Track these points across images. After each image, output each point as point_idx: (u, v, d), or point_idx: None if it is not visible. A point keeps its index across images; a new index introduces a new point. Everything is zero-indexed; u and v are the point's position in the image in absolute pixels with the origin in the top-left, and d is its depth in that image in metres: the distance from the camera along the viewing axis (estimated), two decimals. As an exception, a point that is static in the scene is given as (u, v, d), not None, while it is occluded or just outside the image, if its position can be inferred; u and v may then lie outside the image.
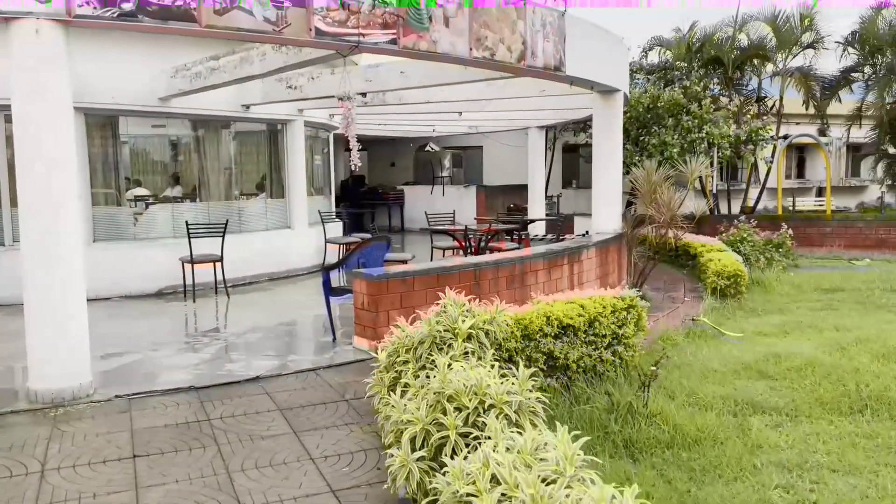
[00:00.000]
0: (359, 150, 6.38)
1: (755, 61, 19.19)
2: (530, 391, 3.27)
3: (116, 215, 9.80)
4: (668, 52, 19.82)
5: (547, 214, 17.43)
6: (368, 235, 13.07)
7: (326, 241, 12.18)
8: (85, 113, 9.24)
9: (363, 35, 5.82)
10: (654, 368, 4.98)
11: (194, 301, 9.15)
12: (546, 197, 18.07)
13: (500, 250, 10.32)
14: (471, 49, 6.73)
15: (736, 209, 20.33)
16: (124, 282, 9.41)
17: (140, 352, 6.49)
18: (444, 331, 4.15)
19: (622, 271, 10.37)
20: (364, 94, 9.11)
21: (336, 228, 12.90)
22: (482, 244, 9.84)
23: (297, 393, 5.23)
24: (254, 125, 11.43)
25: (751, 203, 20.51)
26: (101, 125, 9.65)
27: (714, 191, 17.76)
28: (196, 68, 8.60)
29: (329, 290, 6.87)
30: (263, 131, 11.67)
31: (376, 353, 6.33)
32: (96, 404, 4.98)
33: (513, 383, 3.33)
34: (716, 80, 18.65)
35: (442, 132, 18.04)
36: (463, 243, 10.79)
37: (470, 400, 3.10)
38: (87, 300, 9.30)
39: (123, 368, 5.96)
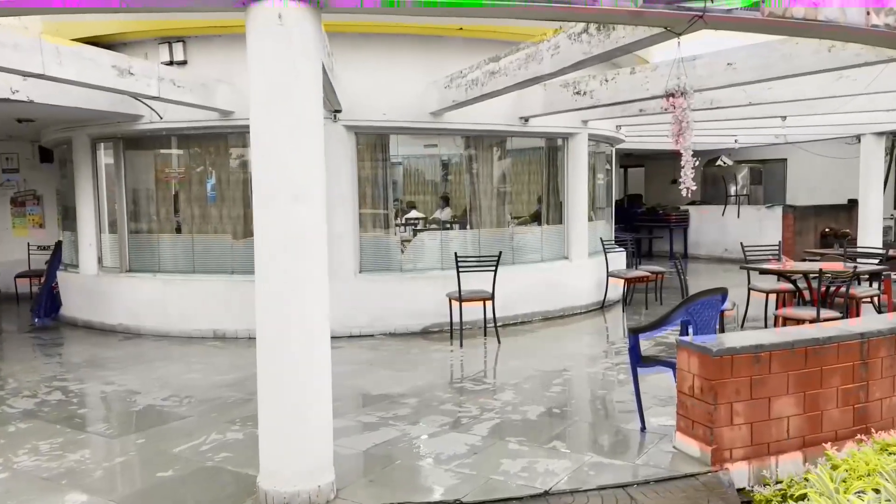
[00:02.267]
0: (693, 167, 4.47)
1: None
2: None
3: (384, 243, 8.93)
4: None
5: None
6: (658, 269, 10.96)
7: (608, 275, 10.34)
8: (356, 132, 8.48)
9: (712, -1, 3.93)
10: None
11: (461, 345, 7.86)
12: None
13: (855, 300, 7.65)
14: (868, 14, 4.48)
15: None
16: (389, 317, 8.47)
17: (398, 423, 5.20)
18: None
19: None
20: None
21: (618, 259, 10.99)
22: (830, 290, 7.27)
23: (608, 537, 3.46)
24: (531, 140, 10.01)
25: None
26: (372, 144, 8.85)
27: None
28: (472, 74, 7.33)
29: (637, 359, 5.03)
30: (541, 147, 10.20)
31: (715, 468, 4.39)
32: (336, 519, 3.69)
33: None
34: None
35: (741, 143, 15.24)
36: (790, 284, 8.23)
37: None
38: (350, 336, 8.62)
39: (375, 453, 4.68)
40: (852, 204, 16.88)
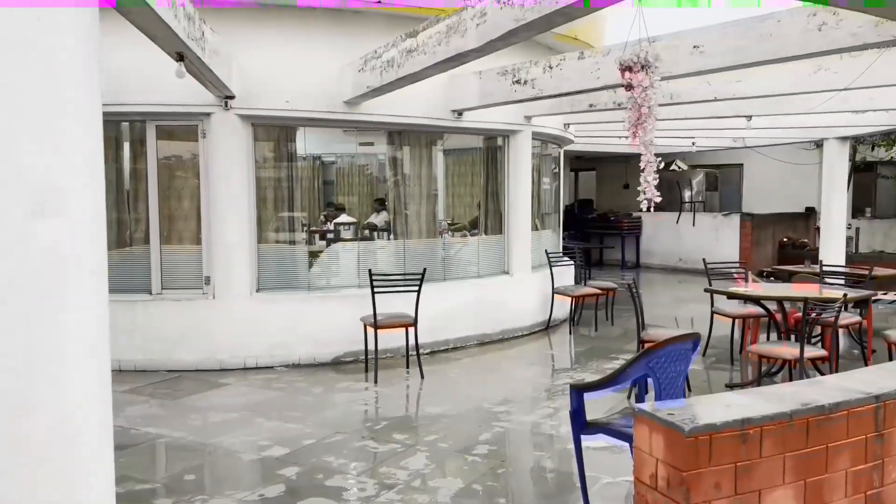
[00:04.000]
0: (657, 170, 3.24)
1: None
2: None
3: (288, 256, 7.53)
4: None
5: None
6: (609, 284, 9.81)
7: (554, 292, 9.13)
8: (253, 123, 7.08)
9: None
10: None
11: (376, 381, 6.53)
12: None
13: (833, 328, 6.55)
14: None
15: None
16: (293, 345, 7.08)
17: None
18: None
19: None
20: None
21: (566, 273, 9.81)
22: (808, 318, 6.14)
23: None
24: (467, 139, 8.75)
25: None
26: (275, 138, 7.47)
27: None
28: (388, 54, 6.01)
29: (581, 425, 3.78)
30: (479, 147, 8.95)
31: None
32: None
33: None
34: None
35: (698, 146, 14.26)
36: (758, 307, 7.11)
37: None
38: (244, 368, 7.19)
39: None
40: (809, 212, 16.15)
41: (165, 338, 6.84)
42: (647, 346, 6.18)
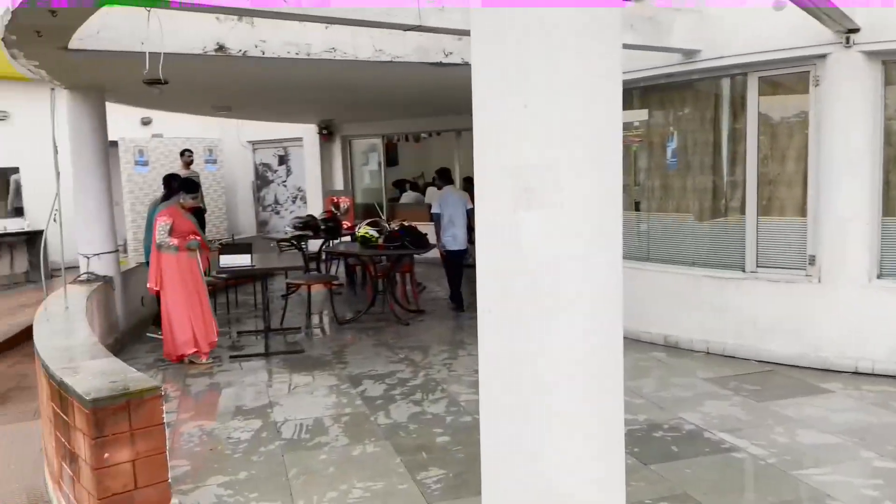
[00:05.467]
0: None
1: None
2: None
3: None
4: None
5: None
6: None
7: None
8: (883, 60, 5.46)
9: None
10: None
11: None
12: None
13: None
14: None
15: None
16: (926, 352, 5.34)
17: None
18: None
19: None
20: None
21: None
22: None
23: None
24: None
25: None
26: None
27: None
28: None
29: None
30: None
31: None
32: None
33: None
34: None
35: None
36: None
37: None
38: (854, 372, 5.66)
39: None
40: None
41: (757, 323, 5.97)
42: None
